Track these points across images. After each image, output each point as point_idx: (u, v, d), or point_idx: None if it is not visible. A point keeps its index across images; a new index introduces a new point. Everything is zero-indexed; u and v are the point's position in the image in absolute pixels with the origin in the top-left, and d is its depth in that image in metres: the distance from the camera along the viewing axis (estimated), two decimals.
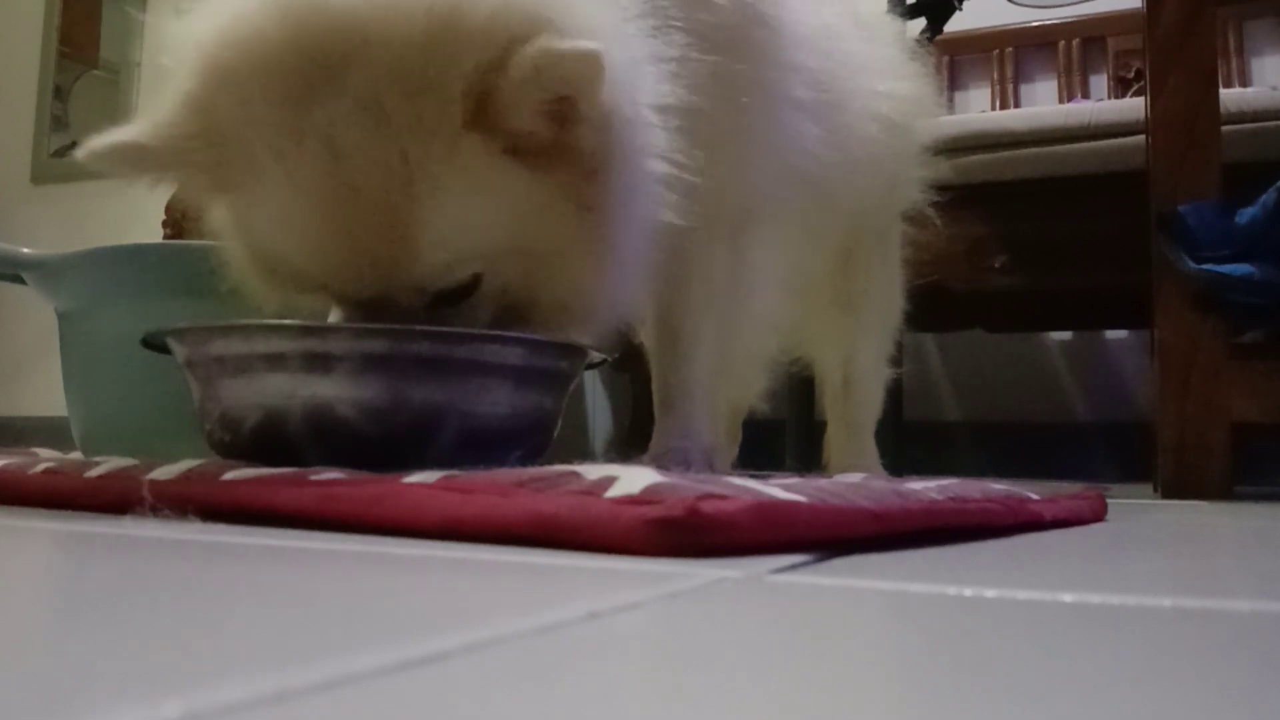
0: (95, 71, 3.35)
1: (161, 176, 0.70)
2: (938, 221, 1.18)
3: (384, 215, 0.63)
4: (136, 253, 0.87)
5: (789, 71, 0.87)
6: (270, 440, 0.66)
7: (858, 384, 1.15)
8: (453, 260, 0.67)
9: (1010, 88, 2.39)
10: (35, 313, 1.23)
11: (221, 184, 0.68)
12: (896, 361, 1.21)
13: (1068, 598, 0.37)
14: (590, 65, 0.62)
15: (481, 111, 0.63)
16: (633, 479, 0.49)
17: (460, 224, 0.65)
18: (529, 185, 0.66)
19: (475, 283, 0.69)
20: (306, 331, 0.67)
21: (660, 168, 0.72)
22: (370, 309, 0.68)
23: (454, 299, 0.69)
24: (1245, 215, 1.24)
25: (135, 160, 0.68)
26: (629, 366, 1.42)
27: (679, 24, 0.75)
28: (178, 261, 0.85)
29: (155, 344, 0.75)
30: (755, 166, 0.87)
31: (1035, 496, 0.72)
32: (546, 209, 0.67)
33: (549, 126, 0.65)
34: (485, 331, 0.69)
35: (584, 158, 0.67)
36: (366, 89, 0.62)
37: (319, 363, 0.65)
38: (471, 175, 0.64)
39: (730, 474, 0.76)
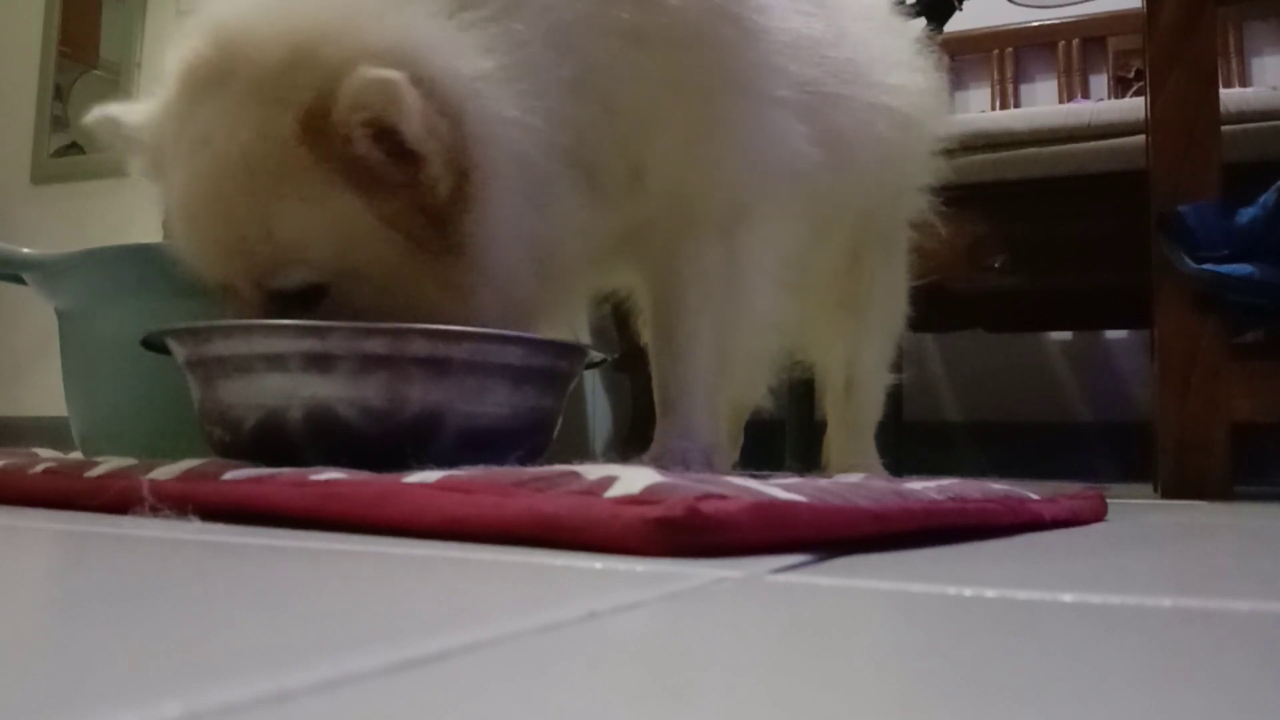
0: (95, 71, 3.35)
1: (131, 153, 0.80)
2: (940, 227, 1.18)
3: (229, 206, 0.71)
4: (136, 253, 0.88)
5: (767, 71, 0.86)
6: (270, 440, 0.66)
7: (860, 386, 1.15)
8: (279, 260, 0.71)
9: (1010, 88, 2.39)
10: (35, 313, 1.23)
11: (156, 168, 0.77)
12: (897, 366, 1.21)
13: (1068, 598, 0.37)
14: (388, 90, 0.66)
15: (318, 131, 0.68)
16: (633, 479, 0.49)
17: (286, 227, 0.70)
18: (360, 208, 0.70)
19: (318, 293, 0.72)
20: (306, 331, 0.67)
21: (528, 214, 0.75)
22: (226, 296, 0.75)
23: (298, 303, 0.72)
24: (1245, 215, 1.24)
25: (115, 132, 0.81)
26: (629, 366, 1.42)
27: (608, 33, 0.77)
28: (178, 262, 0.85)
29: (155, 344, 0.75)
30: (736, 163, 0.86)
31: (1035, 496, 0.71)
32: (382, 237, 0.70)
33: (379, 153, 0.69)
34: (485, 330, 0.69)
35: (430, 194, 0.70)
36: (235, 97, 0.70)
37: (319, 363, 0.65)
38: (300, 185, 0.70)
39: (730, 474, 0.76)
